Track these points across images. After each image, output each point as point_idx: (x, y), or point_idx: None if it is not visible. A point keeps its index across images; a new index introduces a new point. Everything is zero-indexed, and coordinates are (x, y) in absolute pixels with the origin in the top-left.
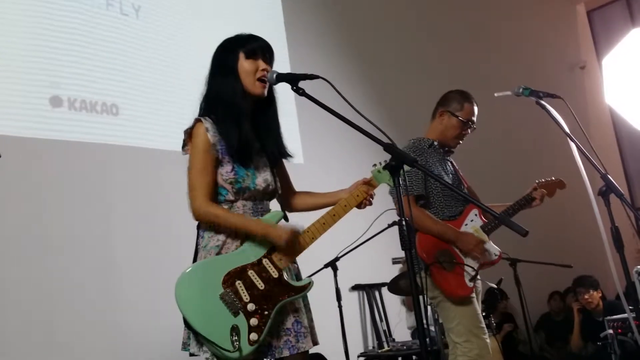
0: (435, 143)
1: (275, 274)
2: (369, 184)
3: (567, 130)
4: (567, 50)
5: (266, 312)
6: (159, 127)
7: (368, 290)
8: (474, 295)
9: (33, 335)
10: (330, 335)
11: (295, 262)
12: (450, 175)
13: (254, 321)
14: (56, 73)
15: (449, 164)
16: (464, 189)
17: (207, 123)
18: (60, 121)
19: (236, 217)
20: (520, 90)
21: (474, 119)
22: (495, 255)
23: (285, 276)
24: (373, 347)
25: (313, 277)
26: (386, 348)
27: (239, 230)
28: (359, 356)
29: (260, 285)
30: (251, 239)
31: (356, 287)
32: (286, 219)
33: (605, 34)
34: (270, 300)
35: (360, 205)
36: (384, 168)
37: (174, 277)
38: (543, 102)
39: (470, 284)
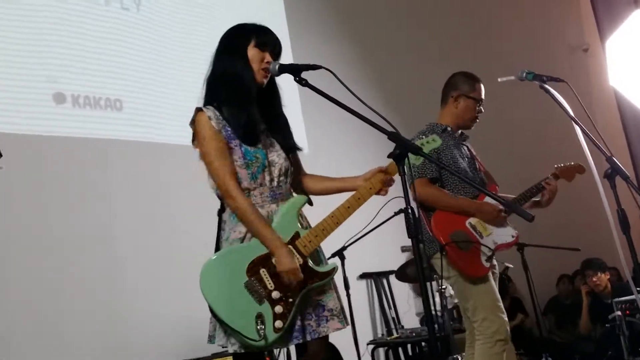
0: (449, 128)
1: (299, 261)
2: (386, 172)
3: (571, 113)
4: (570, 33)
5: (290, 300)
6: (163, 121)
7: (376, 278)
8: (490, 274)
9: (39, 332)
10: None
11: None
12: (466, 159)
13: (278, 309)
14: (59, 69)
15: (465, 148)
16: (480, 173)
17: (208, 112)
18: (65, 117)
19: (255, 216)
20: (524, 74)
21: (483, 97)
22: (512, 237)
23: (310, 262)
24: (382, 335)
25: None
26: (395, 335)
27: (251, 231)
28: (368, 344)
29: None
30: (276, 226)
31: (364, 276)
32: (310, 203)
33: (608, 15)
34: (294, 287)
35: (378, 192)
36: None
37: (179, 271)
38: (547, 86)
39: (487, 264)
